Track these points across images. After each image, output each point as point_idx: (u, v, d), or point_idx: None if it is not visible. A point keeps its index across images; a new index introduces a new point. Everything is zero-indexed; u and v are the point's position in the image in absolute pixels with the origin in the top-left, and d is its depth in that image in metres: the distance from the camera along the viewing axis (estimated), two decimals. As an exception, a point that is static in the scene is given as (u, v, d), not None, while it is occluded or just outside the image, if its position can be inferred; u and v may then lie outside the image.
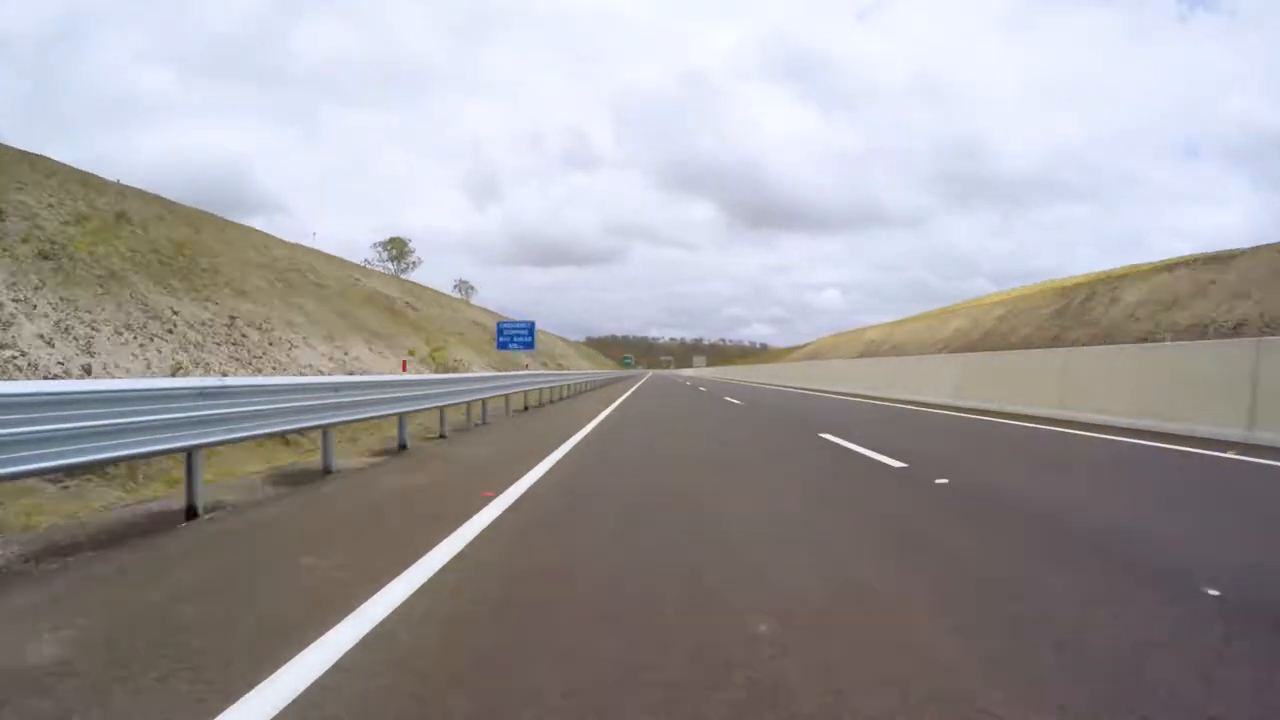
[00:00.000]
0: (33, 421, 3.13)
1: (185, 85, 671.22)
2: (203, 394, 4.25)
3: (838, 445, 7.44)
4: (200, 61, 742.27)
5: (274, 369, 12.00)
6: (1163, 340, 18.48)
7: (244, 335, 12.47)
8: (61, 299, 9.00)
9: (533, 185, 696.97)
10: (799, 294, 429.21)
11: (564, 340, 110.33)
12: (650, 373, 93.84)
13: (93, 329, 8.86)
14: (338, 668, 2.00)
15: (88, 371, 7.82)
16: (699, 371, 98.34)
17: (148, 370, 8.87)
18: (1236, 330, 17.58)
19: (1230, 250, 22.29)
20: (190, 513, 4.20)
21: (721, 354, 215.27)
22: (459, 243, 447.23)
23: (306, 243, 29.16)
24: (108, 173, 16.72)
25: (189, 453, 4.20)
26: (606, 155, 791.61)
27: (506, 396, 13.50)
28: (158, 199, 17.81)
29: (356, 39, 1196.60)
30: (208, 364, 10.28)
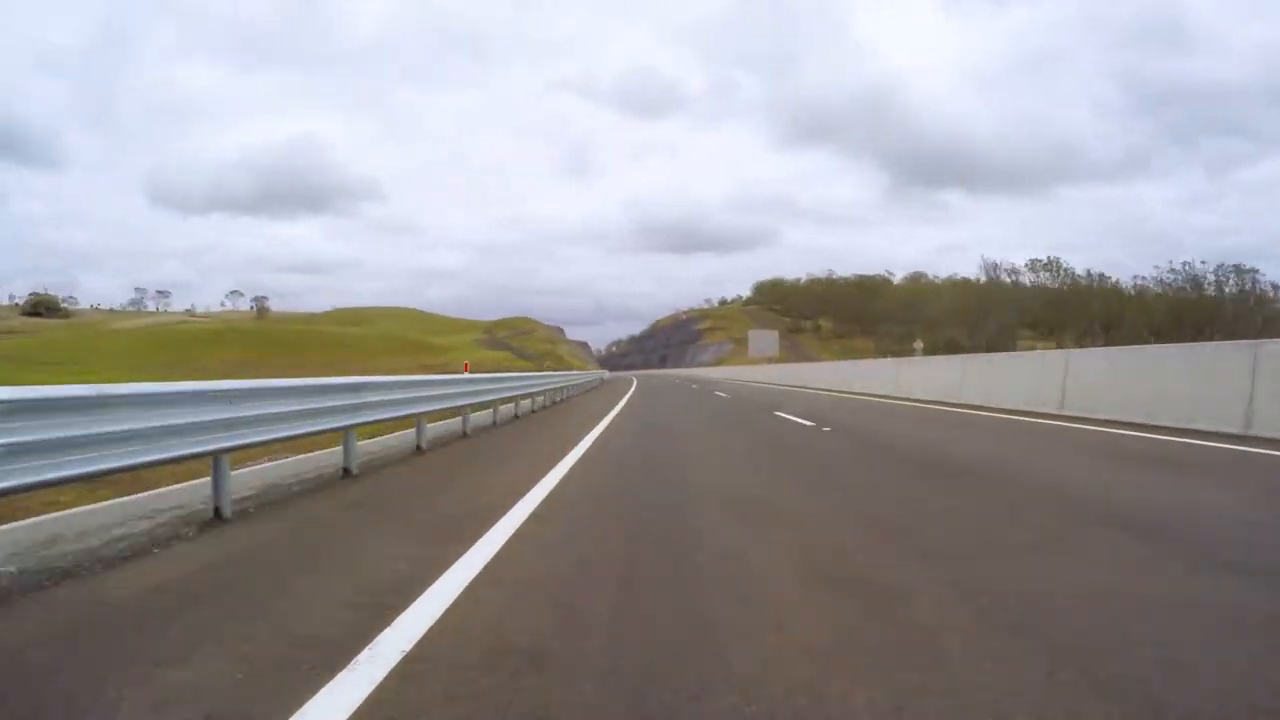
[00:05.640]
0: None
1: (234, 79, 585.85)
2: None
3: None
4: (243, 52, 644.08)
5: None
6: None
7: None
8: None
9: (644, 160, 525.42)
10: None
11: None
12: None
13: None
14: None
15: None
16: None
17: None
18: None
19: None
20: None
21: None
22: (581, 231, 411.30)
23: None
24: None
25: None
26: (720, 109, 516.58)
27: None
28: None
29: (408, 11, 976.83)
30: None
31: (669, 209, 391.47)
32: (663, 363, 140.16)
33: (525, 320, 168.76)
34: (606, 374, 64.36)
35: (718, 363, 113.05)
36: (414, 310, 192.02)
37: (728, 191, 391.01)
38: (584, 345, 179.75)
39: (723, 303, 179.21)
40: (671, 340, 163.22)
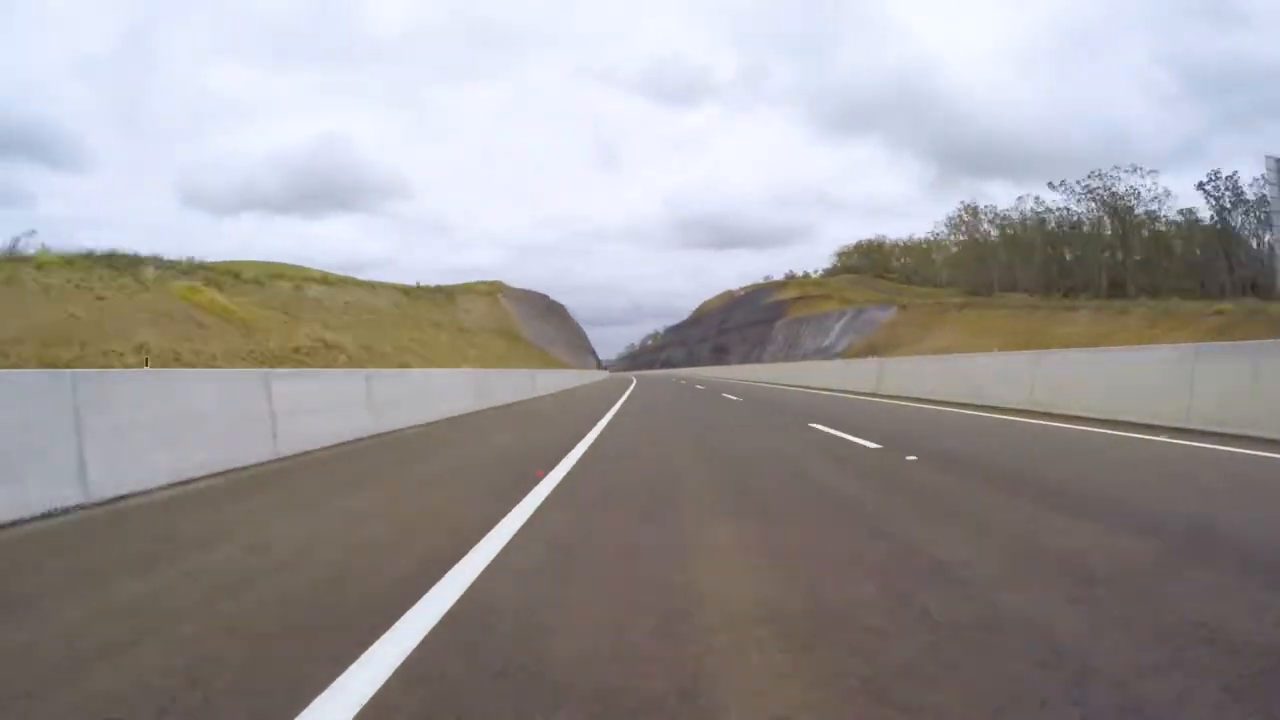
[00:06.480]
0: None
1: (262, 78, 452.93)
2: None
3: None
4: (271, 51, 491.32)
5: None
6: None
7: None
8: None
9: (679, 154, 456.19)
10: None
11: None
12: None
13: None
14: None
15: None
16: None
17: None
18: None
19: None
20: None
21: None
22: (617, 228, 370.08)
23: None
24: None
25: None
26: (754, 99, 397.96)
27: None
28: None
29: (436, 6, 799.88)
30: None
31: (705, 203, 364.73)
32: (719, 357, 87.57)
33: (493, 285, 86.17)
34: (602, 375, 53.81)
35: (869, 350, 54.63)
36: (312, 270, 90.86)
37: (764, 185, 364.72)
38: (558, 311, 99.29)
39: (790, 277, 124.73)
40: (728, 323, 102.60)
